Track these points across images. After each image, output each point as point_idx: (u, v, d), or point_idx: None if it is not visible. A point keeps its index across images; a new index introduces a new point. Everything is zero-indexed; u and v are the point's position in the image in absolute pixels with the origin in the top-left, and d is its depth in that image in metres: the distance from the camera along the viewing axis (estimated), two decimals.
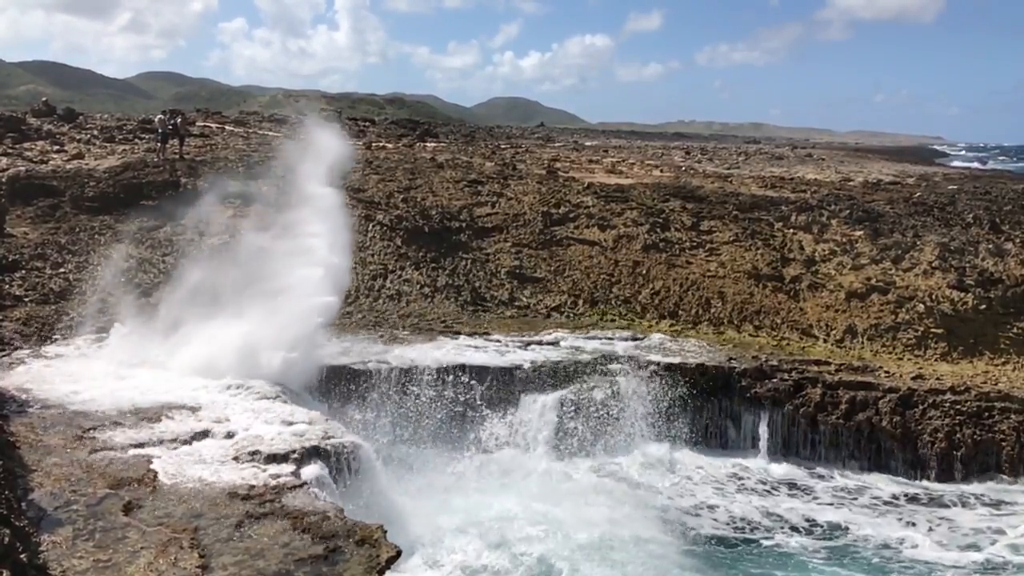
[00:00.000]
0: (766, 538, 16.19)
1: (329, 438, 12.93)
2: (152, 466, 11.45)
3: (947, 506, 17.97)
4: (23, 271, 19.95)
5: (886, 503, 17.98)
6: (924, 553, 15.87)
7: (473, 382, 18.57)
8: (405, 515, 13.67)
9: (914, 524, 17.08)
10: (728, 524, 16.65)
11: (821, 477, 18.97)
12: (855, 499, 18.05)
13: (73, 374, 15.19)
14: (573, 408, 18.75)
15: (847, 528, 16.69)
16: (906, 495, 18.33)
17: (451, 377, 18.47)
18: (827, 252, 25.24)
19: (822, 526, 16.77)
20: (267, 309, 16.45)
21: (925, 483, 19.00)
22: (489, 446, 18.50)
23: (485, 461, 18.09)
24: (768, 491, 18.16)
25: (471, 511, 15.62)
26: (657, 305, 23.69)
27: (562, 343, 20.69)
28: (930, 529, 16.86)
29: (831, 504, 17.75)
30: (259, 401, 14.39)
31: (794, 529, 16.61)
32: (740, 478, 18.61)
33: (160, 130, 28.57)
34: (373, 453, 13.99)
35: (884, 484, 18.76)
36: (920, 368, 20.99)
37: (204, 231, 22.56)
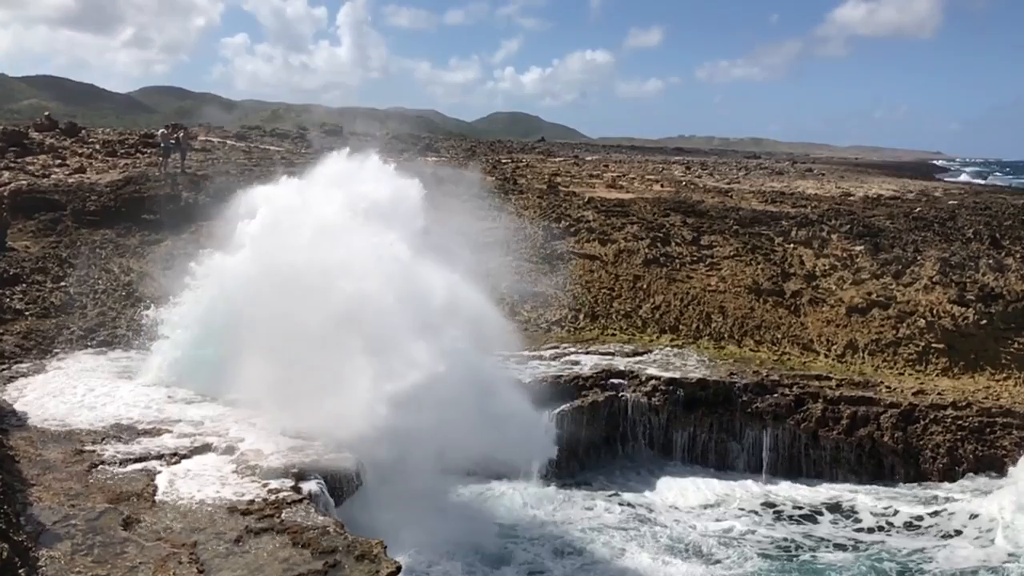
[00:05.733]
0: (798, 556, 15.87)
1: (329, 453, 12.87)
2: (151, 481, 11.42)
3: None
4: (24, 285, 19.93)
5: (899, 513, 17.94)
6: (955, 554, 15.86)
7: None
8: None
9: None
10: (753, 547, 16.10)
11: (824, 492, 18.81)
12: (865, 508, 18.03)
13: (73, 388, 15.15)
14: (574, 425, 18.62)
15: (866, 543, 16.58)
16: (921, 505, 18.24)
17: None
18: (828, 267, 25.25)
19: (853, 542, 16.61)
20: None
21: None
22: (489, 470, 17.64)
23: (484, 489, 17.26)
24: (779, 509, 17.91)
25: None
26: (658, 320, 23.67)
27: (562, 358, 20.64)
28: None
29: (843, 516, 17.70)
30: (259, 415, 14.33)
31: (836, 548, 16.36)
32: (742, 495, 18.42)
33: (162, 144, 28.67)
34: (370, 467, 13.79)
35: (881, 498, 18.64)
36: (921, 383, 20.95)
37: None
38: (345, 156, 15.61)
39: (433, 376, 11.17)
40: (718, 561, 15.17)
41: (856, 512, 17.88)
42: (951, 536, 16.87)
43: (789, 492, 18.63)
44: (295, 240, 12.51)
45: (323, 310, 11.81)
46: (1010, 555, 15.82)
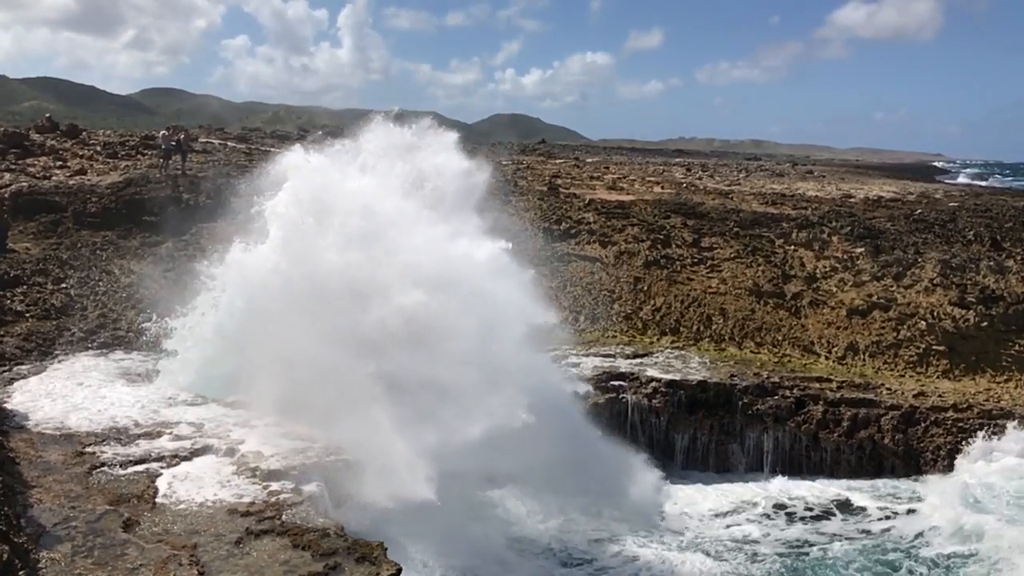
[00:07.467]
0: (808, 554, 15.89)
1: (330, 455, 12.86)
2: (152, 483, 11.40)
3: None
4: (25, 286, 19.92)
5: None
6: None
7: None
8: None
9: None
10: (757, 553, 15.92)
11: (832, 491, 18.80)
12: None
13: (73, 390, 15.14)
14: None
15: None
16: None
17: None
18: (828, 269, 25.24)
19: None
20: None
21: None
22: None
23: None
24: (791, 511, 17.83)
25: None
26: (658, 321, 23.67)
27: (563, 360, 20.60)
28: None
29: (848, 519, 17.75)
30: (259, 417, 14.32)
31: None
32: (751, 498, 18.32)
33: (163, 146, 28.70)
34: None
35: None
36: (922, 385, 20.95)
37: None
38: (393, 119, 12.45)
39: (511, 427, 9.12)
40: (732, 562, 15.07)
41: (864, 508, 17.99)
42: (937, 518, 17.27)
43: (797, 493, 18.58)
44: (335, 228, 10.05)
45: (371, 326, 9.60)
46: (971, 538, 16.23)
